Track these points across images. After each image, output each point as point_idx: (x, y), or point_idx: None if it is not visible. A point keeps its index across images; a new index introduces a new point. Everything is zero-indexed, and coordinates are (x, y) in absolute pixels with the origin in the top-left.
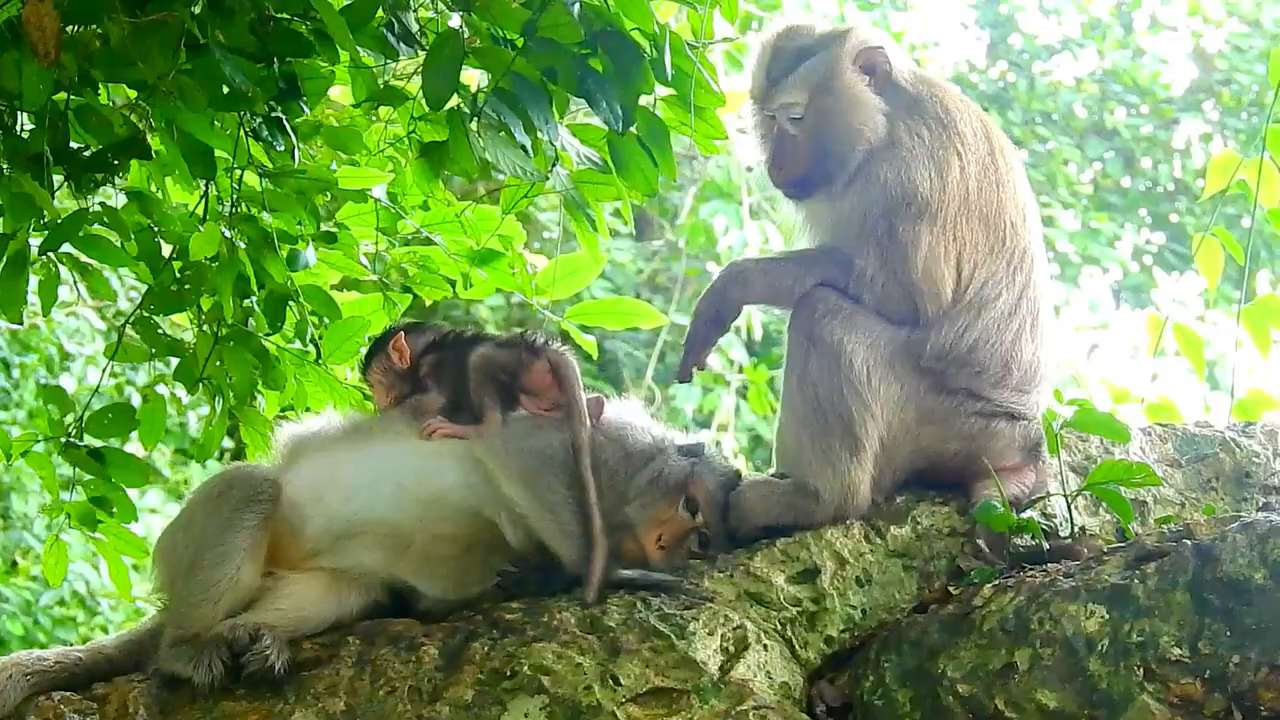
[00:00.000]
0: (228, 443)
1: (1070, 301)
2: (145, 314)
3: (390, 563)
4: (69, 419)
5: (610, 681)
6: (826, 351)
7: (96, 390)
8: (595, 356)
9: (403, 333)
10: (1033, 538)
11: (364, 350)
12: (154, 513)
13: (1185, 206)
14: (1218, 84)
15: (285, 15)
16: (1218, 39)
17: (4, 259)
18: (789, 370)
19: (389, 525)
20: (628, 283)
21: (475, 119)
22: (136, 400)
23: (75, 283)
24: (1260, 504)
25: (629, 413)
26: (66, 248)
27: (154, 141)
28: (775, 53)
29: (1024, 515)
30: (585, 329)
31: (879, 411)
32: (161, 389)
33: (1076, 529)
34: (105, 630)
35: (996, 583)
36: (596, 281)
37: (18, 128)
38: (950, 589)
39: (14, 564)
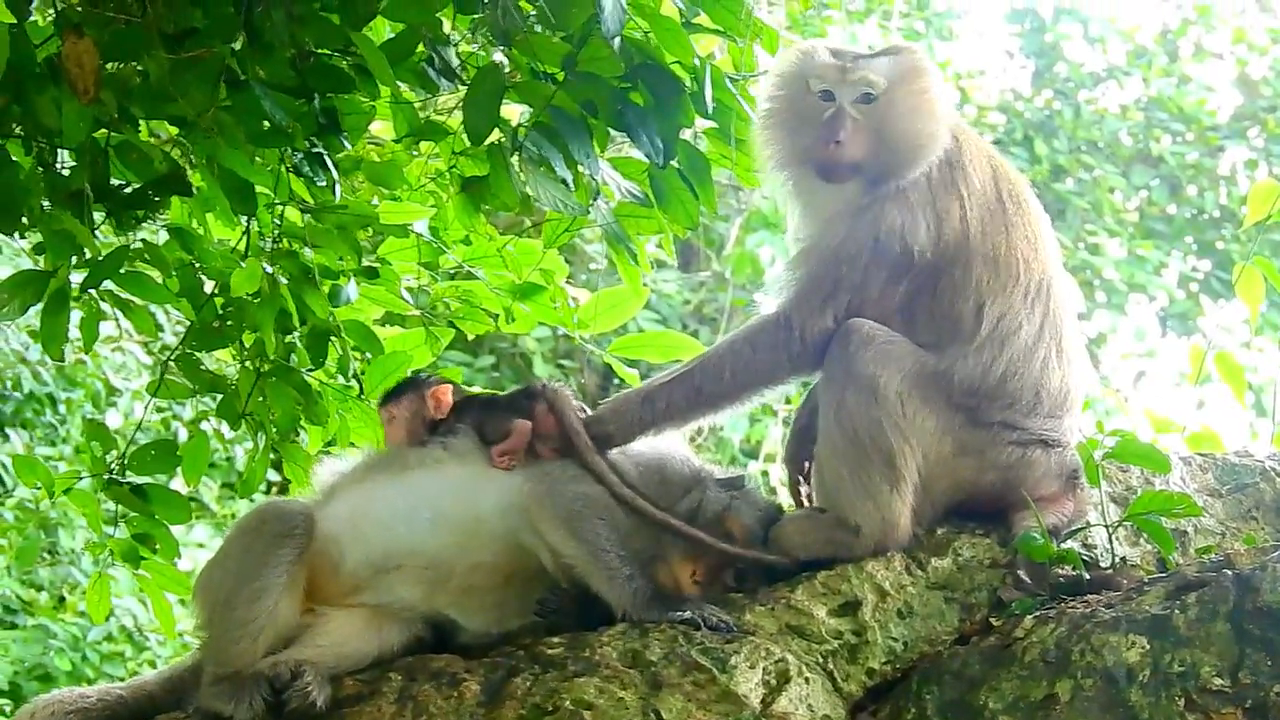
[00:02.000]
0: (275, 476)
1: (1117, 329)
2: (187, 350)
3: (430, 596)
4: (111, 456)
5: (652, 716)
6: (863, 385)
7: (139, 426)
8: None
9: (452, 386)
10: (1073, 568)
11: (394, 385)
12: (201, 547)
13: (1231, 233)
14: (1263, 111)
15: (325, 51)
16: (1262, 66)
17: (45, 297)
18: (825, 404)
19: (428, 556)
20: (673, 314)
21: (516, 153)
22: (183, 435)
23: (119, 318)
24: None
25: (668, 444)
26: (108, 284)
27: (194, 178)
28: (843, 46)
29: (1064, 545)
30: (629, 362)
31: (916, 444)
32: (207, 424)
33: (1117, 559)
34: (154, 665)
35: (1037, 614)
36: (642, 313)
37: (58, 165)
38: (991, 620)
39: (61, 599)
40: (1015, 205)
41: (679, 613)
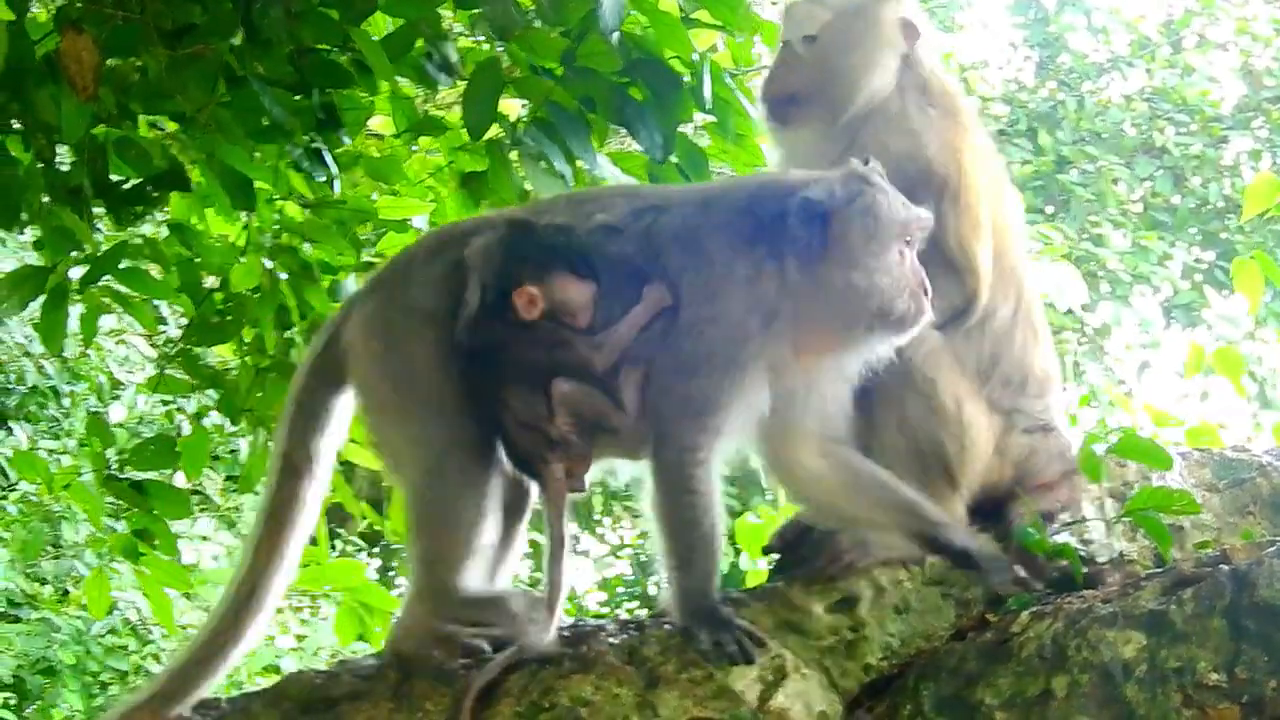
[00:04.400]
0: None
1: (1121, 320)
2: (187, 346)
3: None
4: (111, 451)
5: (649, 712)
6: (921, 390)
7: (141, 420)
8: None
9: None
10: (1070, 564)
11: None
12: (205, 540)
13: (1235, 224)
14: (1266, 102)
15: (324, 46)
16: (1266, 56)
17: (45, 291)
18: (884, 410)
19: None
20: None
21: (515, 148)
22: (187, 428)
23: (121, 313)
24: None
25: None
26: (107, 279)
27: (193, 173)
28: None
29: (1060, 540)
30: None
31: (969, 445)
32: (210, 419)
33: (1114, 554)
34: (158, 659)
35: (1034, 609)
36: None
37: (57, 161)
38: (988, 616)
39: (65, 593)
40: (1001, 174)
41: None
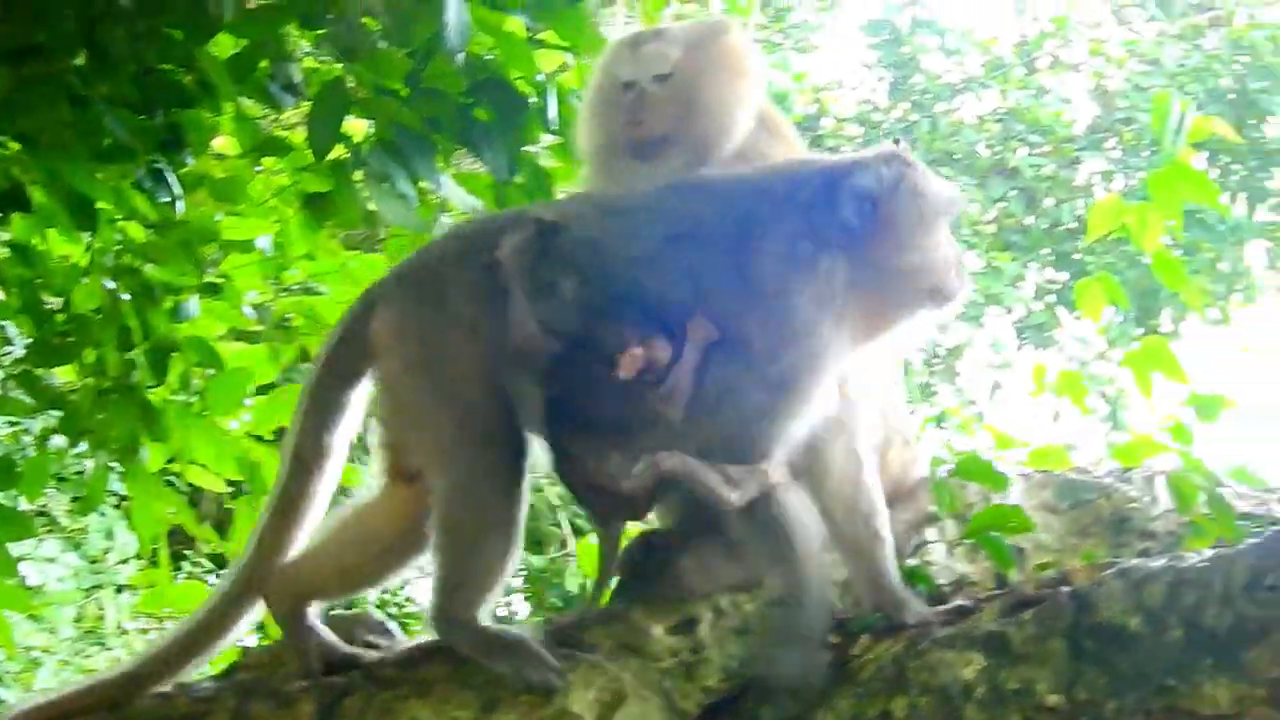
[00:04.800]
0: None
1: (973, 342)
2: (28, 367)
3: None
4: None
5: None
6: None
7: None
8: None
9: None
10: (926, 589)
11: None
12: (51, 561)
13: (1088, 245)
14: (1119, 123)
15: (168, 67)
16: (1119, 78)
17: None
18: None
19: None
20: None
21: (359, 169)
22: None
23: None
24: (1138, 550)
25: None
26: None
27: (35, 194)
28: (637, 33)
29: (912, 562)
30: None
31: None
32: (56, 440)
33: (955, 577)
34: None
35: (874, 631)
36: None
37: None
38: (829, 638)
39: None
40: None
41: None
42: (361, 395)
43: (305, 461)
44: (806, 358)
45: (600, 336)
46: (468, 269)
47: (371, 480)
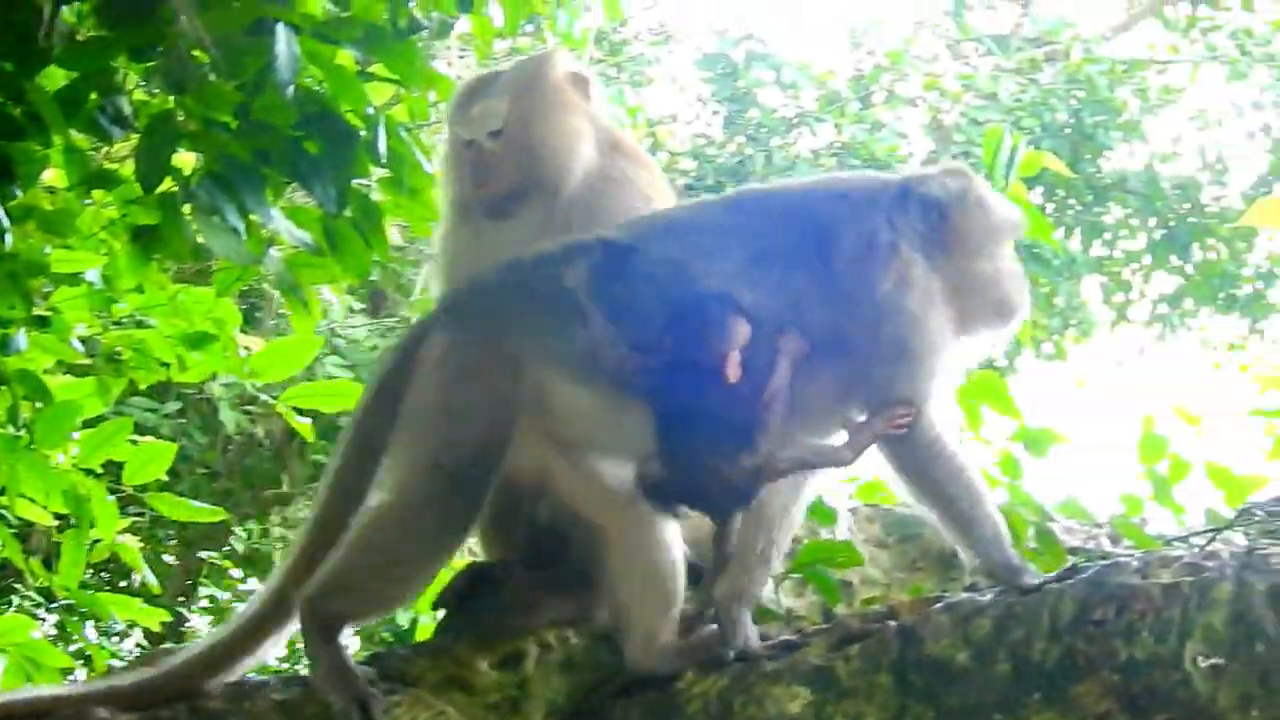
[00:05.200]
0: None
1: None
2: None
3: None
4: None
5: None
6: None
7: None
8: (311, 440)
9: None
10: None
11: None
12: None
13: None
14: (955, 156)
15: None
16: (954, 112)
17: None
18: None
19: None
20: (364, 359)
21: (188, 202)
22: None
23: None
24: (967, 584)
25: None
26: None
27: None
28: (472, 83)
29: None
30: (301, 411)
31: None
32: None
33: (782, 611)
34: None
35: (701, 665)
36: (330, 359)
37: None
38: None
39: None
40: None
41: None
42: None
43: (347, 490)
44: (909, 318)
45: (695, 348)
46: (525, 301)
47: None
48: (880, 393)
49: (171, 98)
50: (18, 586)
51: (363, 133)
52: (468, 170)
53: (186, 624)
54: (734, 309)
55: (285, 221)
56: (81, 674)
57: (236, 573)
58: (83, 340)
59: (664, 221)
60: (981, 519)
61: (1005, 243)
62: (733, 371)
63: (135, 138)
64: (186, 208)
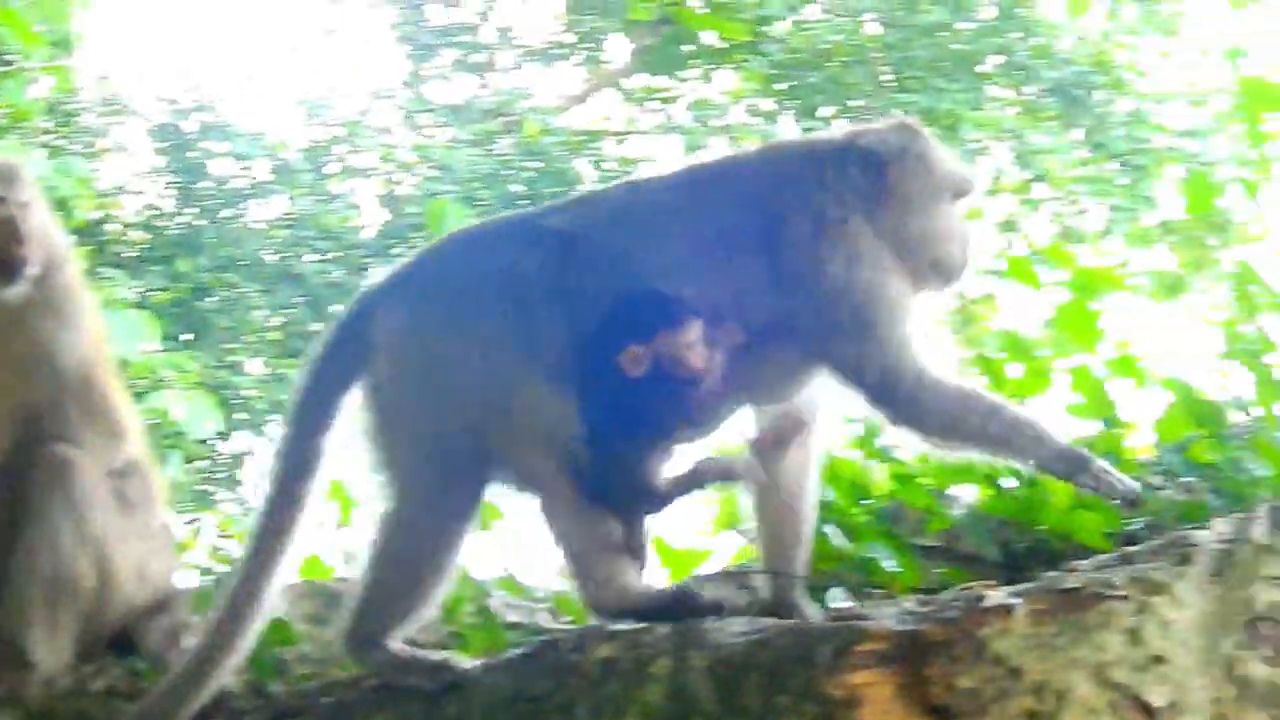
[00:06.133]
0: None
1: (255, 451)
2: None
3: None
4: None
5: None
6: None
7: None
8: None
9: None
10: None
11: None
12: None
13: None
14: (410, 229)
15: None
16: (409, 184)
17: None
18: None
19: None
20: None
21: None
22: None
23: None
24: None
25: None
26: None
27: None
28: None
29: None
30: None
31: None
32: None
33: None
34: None
35: None
36: None
37: None
38: None
39: None
40: None
41: None
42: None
43: (297, 466)
44: (866, 293)
45: (626, 336)
46: (474, 276)
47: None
48: (856, 374)
49: None
50: None
51: None
52: None
53: None
54: (669, 302)
55: None
56: None
57: None
58: None
59: (602, 206)
60: (1007, 433)
61: (947, 201)
62: (630, 366)
63: None
64: None
